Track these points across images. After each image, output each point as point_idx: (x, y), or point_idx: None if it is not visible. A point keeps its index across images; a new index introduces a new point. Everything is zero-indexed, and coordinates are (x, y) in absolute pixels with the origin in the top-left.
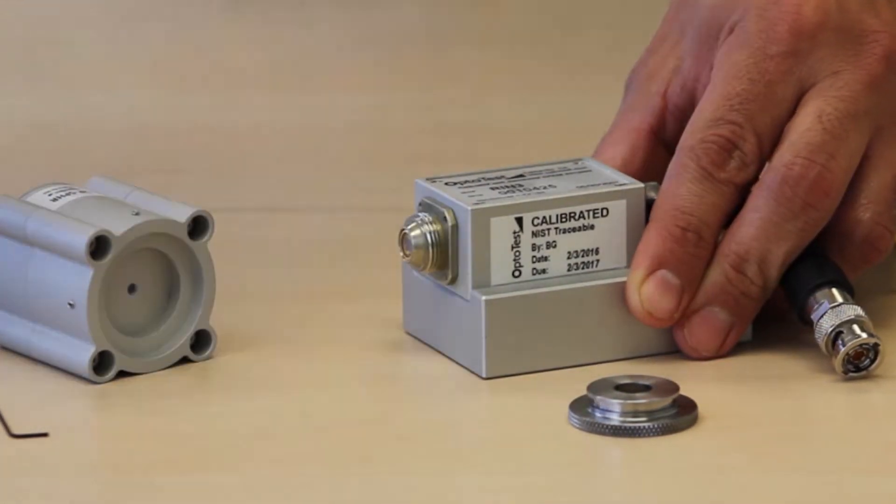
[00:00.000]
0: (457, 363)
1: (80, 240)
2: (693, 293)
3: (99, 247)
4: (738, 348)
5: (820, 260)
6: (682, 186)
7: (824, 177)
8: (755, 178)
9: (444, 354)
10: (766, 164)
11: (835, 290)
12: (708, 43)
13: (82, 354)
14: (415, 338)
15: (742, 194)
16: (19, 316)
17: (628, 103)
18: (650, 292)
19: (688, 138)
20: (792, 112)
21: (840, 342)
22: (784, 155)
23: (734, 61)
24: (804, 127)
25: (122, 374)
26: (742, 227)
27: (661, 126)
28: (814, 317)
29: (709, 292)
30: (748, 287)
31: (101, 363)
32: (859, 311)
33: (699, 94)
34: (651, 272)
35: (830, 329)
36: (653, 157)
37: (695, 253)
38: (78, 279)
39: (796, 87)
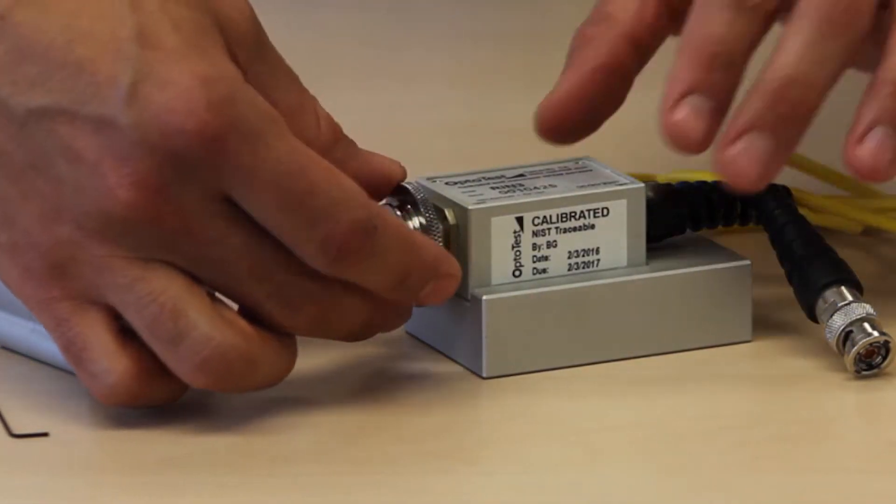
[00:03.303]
0: (457, 363)
1: None
2: (723, 118)
3: None
4: (739, 348)
5: (829, 258)
6: (710, 15)
7: None
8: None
9: (444, 354)
10: None
11: (844, 289)
12: None
13: None
14: (415, 338)
15: (771, 21)
16: (20, 316)
17: None
18: (680, 117)
19: None
20: None
21: (851, 341)
22: None
23: None
24: None
25: None
26: (784, 51)
27: None
28: (824, 316)
29: (748, 117)
30: (792, 110)
31: None
32: (869, 309)
33: None
34: (682, 98)
35: (841, 328)
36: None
37: (725, 78)
38: None
39: None
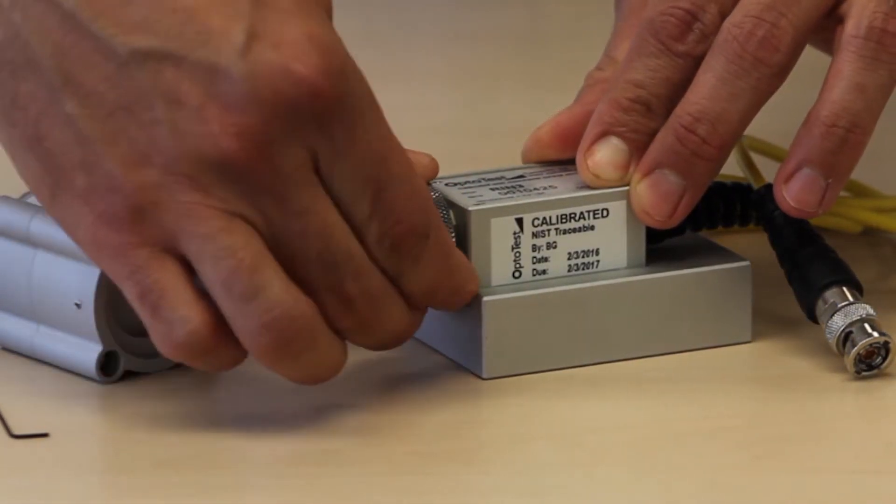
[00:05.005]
0: (457, 363)
1: None
2: (639, 159)
3: None
4: (739, 348)
5: (829, 259)
6: (637, 60)
7: (773, 33)
8: None
9: (443, 354)
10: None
11: (845, 290)
12: None
13: (89, 355)
14: (415, 338)
15: (699, 65)
16: (23, 318)
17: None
18: (597, 157)
19: (649, 11)
20: None
21: (851, 341)
22: (735, 15)
23: None
24: None
25: (123, 373)
26: (695, 89)
27: None
28: (823, 316)
29: (658, 153)
30: (700, 147)
31: (108, 363)
32: (869, 309)
33: None
34: (598, 139)
35: (841, 328)
36: None
37: (642, 122)
38: (85, 279)
39: None
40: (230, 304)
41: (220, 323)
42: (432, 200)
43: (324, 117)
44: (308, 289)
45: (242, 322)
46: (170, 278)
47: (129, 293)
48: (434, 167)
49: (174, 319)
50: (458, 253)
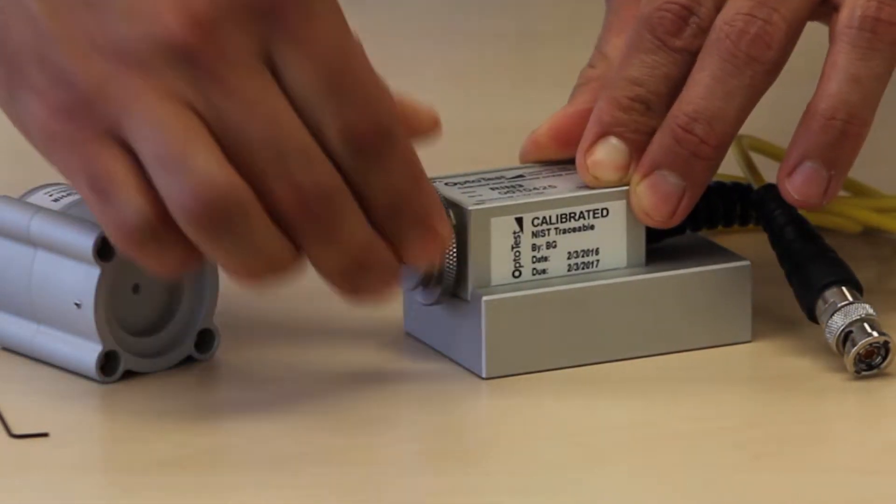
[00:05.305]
0: (457, 363)
1: (87, 240)
2: (640, 158)
3: (105, 246)
4: (739, 348)
5: (829, 259)
6: (635, 57)
7: (766, 30)
8: None
9: (444, 354)
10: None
11: (844, 289)
12: None
13: (89, 355)
14: (415, 338)
15: (695, 60)
16: (23, 318)
17: None
18: (597, 158)
19: (644, 7)
20: None
21: (851, 341)
22: (727, 12)
23: None
24: None
25: (124, 373)
26: (690, 88)
27: None
28: (823, 316)
29: (656, 154)
30: (698, 146)
31: (108, 363)
32: (869, 309)
33: None
34: (598, 139)
35: (841, 328)
36: None
37: (641, 121)
38: (85, 279)
39: None
40: (163, 177)
41: (168, 213)
42: (397, 105)
43: (277, 4)
44: (255, 179)
45: (174, 194)
46: (121, 167)
47: (81, 185)
48: (435, 118)
49: (124, 202)
50: (430, 185)
